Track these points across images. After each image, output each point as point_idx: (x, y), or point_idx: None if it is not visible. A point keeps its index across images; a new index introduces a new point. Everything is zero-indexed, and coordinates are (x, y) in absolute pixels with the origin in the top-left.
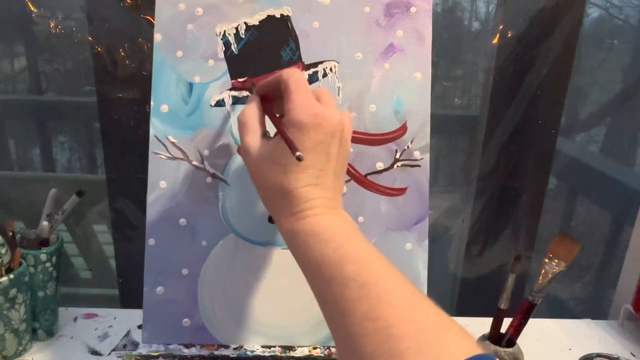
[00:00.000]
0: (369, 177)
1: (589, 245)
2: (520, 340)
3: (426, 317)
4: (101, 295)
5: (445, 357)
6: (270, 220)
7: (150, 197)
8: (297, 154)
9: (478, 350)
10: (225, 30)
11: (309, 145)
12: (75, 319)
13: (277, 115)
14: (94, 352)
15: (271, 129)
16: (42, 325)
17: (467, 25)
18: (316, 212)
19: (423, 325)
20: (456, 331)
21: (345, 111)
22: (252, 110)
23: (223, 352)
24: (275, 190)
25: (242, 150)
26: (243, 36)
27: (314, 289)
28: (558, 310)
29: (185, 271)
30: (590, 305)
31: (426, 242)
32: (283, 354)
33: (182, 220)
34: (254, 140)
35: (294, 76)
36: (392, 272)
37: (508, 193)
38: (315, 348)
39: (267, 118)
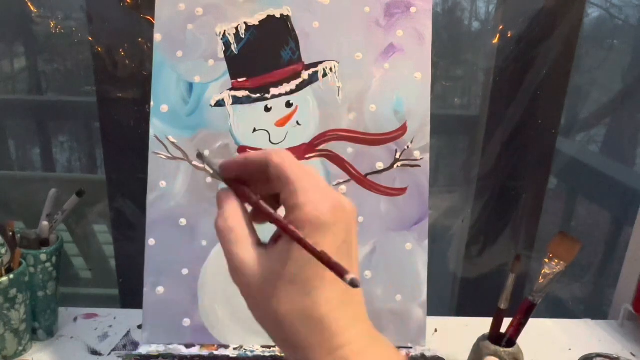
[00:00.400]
0: (369, 177)
1: (589, 245)
2: (520, 340)
3: None
4: (101, 295)
5: None
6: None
7: (150, 197)
8: (350, 277)
9: None
10: (225, 30)
11: (333, 249)
12: (75, 319)
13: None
14: (94, 352)
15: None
16: (42, 325)
17: (467, 26)
18: (355, 349)
19: None
20: None
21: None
22: (233, 211)
23: (223, 352)
24: (294, 319)
25: (233, 268)
26: (243, 36)
27: None
28: (558, 310)
29: (185, 271)
30: (590, 305)
31: (426, 242)
32: (282, 354)
33: (182, 220)
34: (247, 253)
35: (288, 159)
36: None
37: (508, 193)
38: None
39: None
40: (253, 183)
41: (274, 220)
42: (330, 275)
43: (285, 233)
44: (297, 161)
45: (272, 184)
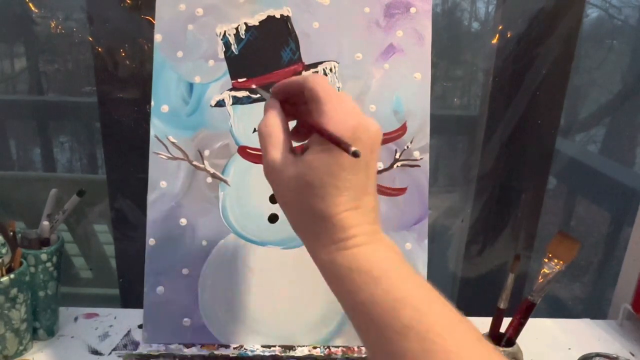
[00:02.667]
0: None
1: (588, 245)
2: (520, 340)
3: None
4: (102, 295)
5: None
6: (270, 220)
7: (151, 197)
8: (353, 149)
9: None
10: (225, 31)
11: (348, 165)
12: (75, 319)
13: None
14: (95, 352)
15: None
16: (42, 324)
17: (467, 26)
18: (359, 242)
19: None
20: None
21: (372, 118)
22: (274, 120)
23: (223, 351)
24: (309, 215)
25: (267, 168)
26: (243, 36)
27: (362, 334)
28: (557, 309)
29: (185, 271)
30: (589, 304)
31: (426, 241)
32: (283, 354)
33: (183, 220)
34: (281, 156)
35: (322, 83)
36: (453, 317)
37: (507, 193)
38: (315, 347)
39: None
40: (297, 106)
41: (301, 122)
42: (344, 185)
43: (314, 128)
44: (331, 87)
45: (309, 105)
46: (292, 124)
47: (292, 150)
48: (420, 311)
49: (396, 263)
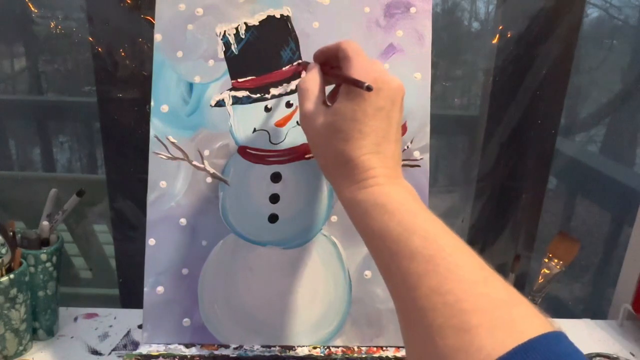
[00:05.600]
0: None
1: (589, 245)
2: None
3: (496, 292)
4: (101, 295)
5: (517, 333)
6: (270, 220)
7: (151, 197)
8: (366, 84)
9: (549, 328)
10: (225, 31)
11: (370, 111)
12: (75, 319)
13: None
14: (94, 352)
15: None
16: (42, 325)
17: (467, 26)
18: (378, 182)
19: (494, 301)
20: (527, 307)
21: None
22: (312, 77)
23: (223, 351)
24: (336, 158)
25: (302, 117)
26: (243, 36)
27: (378, 261)
28: (557, 310)
29: (185, 271)
30: (589, 305)
31: None
32: (283, 354)
33: (182, 220)
34: (314, 107)
35: (352, 44)
36: (459, 246)
37: (508, 193)
38: (315, 348)
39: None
40: (335, 69)
41: (331, 77)
42: (365, 130)
43: (338, 79)
44: (360, 48)
45: (341, 64)
46: (329, 88)
47: (324, 103)
48: (427, 240)
49: (410, 201)
